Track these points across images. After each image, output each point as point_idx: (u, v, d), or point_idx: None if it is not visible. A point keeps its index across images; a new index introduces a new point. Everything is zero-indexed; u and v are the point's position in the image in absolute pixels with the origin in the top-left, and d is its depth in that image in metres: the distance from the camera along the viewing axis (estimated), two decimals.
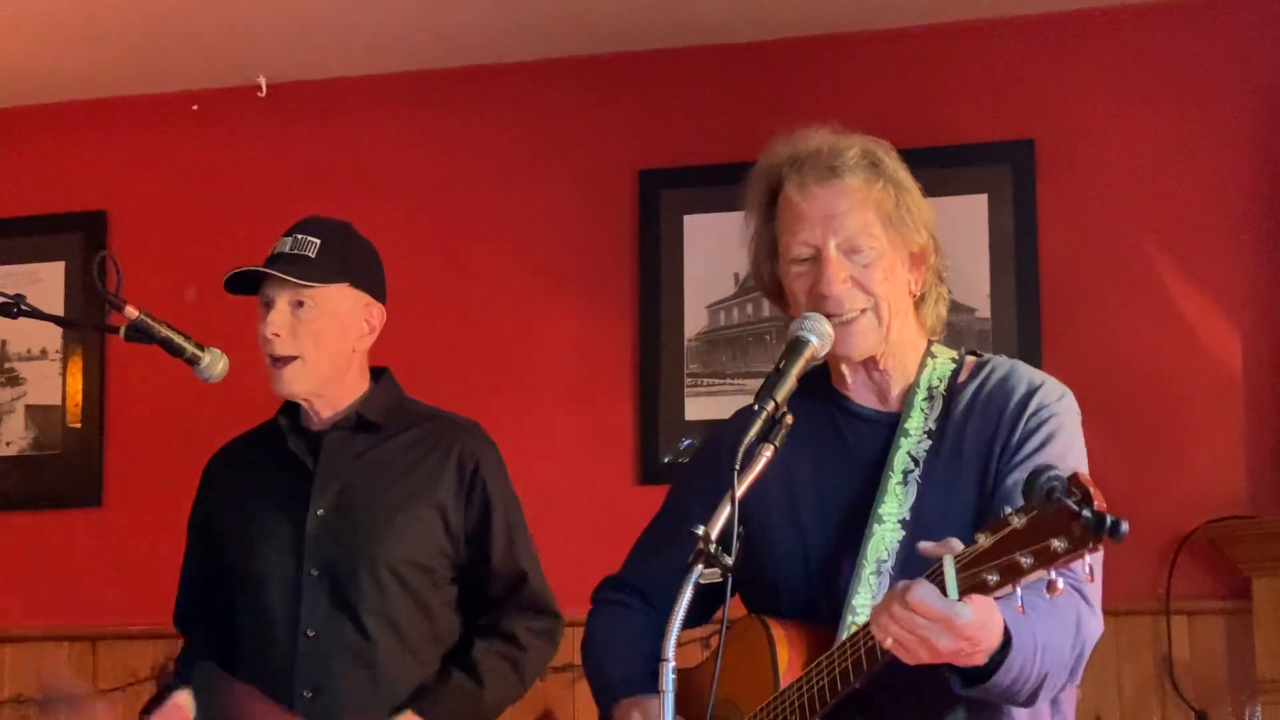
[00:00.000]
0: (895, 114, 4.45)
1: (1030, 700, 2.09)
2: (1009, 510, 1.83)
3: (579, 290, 4.70)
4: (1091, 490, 1.75)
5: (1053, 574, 1.79)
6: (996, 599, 1.90)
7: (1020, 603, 1.85)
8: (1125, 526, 1.73)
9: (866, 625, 2.04)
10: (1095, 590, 2.15)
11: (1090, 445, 2.30)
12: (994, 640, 1.97)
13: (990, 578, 1.84)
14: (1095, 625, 2.16)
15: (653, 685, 2.29)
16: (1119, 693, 4.24)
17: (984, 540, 1.85)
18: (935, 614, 1.90)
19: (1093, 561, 1.79)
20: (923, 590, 1.91)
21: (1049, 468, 1.80)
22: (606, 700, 2.44)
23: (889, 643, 1.96)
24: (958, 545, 1.91)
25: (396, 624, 3.00)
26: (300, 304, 2.99)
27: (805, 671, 2.15)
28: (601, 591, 2.58)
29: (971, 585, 1.86)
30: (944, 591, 1.89)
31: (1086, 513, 1.74)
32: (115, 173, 5.03)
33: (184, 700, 2.99)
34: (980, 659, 1.98)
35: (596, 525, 4.35)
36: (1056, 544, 1.77)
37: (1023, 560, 1.80)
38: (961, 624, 1.90)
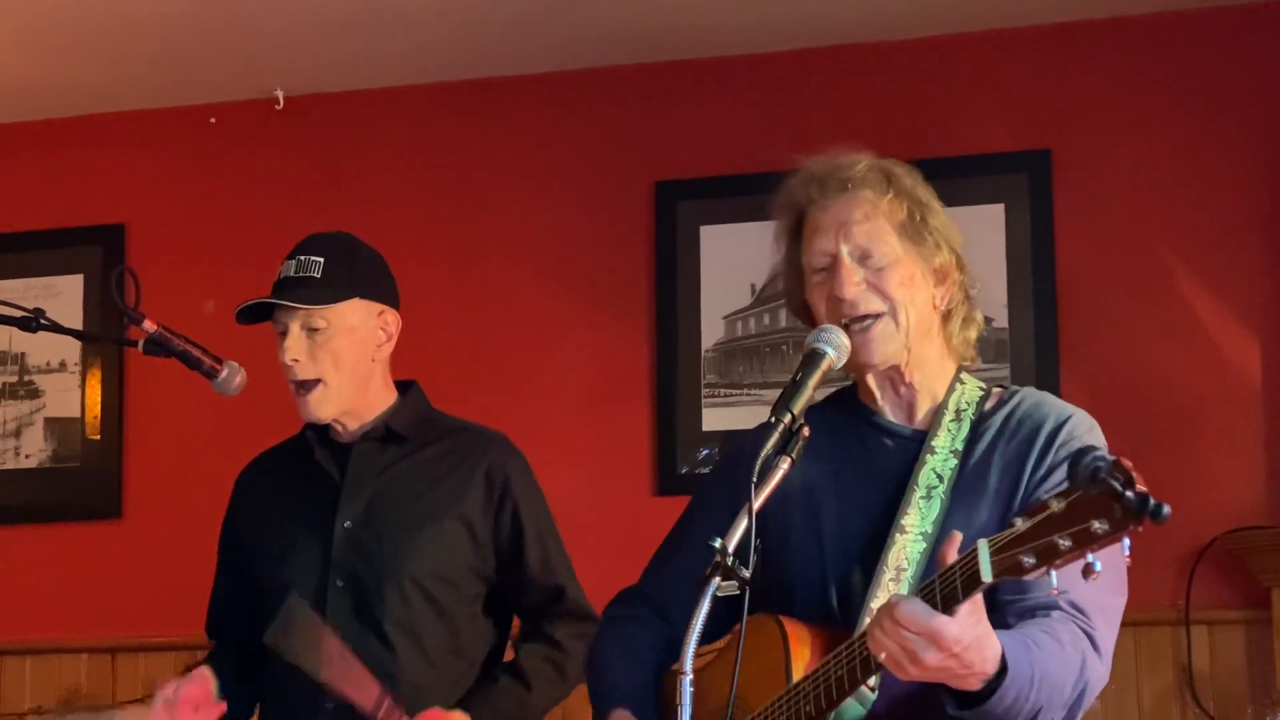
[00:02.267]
0: (912, 124, 4.46)
1: None
2: (1047, 495, 1.83)
3: (596, 301, 4.70)
4: (1135, 475, 1.76)
5: (1089, 557, 1.80)
6: (1032, 577, 1.89)
7: (1034, 626, 1.85)
8: (1168, 509, 1.74)
9: (862, 635, 2.05)
10: (1106, 638, 2.16)
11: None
12: (988, 666, 1.98)
13: (1026, 560, 1.84)
14: (1101, 672, 2.16)
15: (643, 696, 2.32)
16: (1139, 703, 4.23)
17: (1021, 524, 1.85)
18: (921, 627, 1.92)
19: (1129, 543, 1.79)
20: (910, 603, 1.94)
21: (1093, 448, 1.80)
22: (597, 709, 2.46)
23: (882, 656, 1.99)
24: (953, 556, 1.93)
25: (419, 636, 3.00)
26: (315, 328, 2.98)
27: (813, 672, 2.16)
28: (611, 606, 2.59)
29: (1006, 567, 1.86)
30: (977, 578, 1.89)
31: (1130, 494, 1.75)
32: (133, 186, 5.05)
33: (208, 672, 2.98)
34: (974, 683, 2.00)
35: (614, 536, 4.34)
36: (1097, 525, 1.78)
37: (1061, 542, 1.81)
38: (948, 638, 1.92)
